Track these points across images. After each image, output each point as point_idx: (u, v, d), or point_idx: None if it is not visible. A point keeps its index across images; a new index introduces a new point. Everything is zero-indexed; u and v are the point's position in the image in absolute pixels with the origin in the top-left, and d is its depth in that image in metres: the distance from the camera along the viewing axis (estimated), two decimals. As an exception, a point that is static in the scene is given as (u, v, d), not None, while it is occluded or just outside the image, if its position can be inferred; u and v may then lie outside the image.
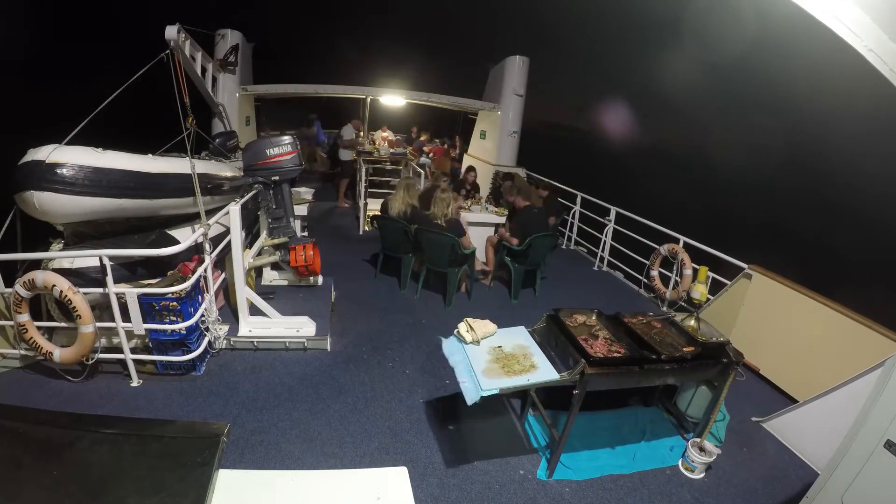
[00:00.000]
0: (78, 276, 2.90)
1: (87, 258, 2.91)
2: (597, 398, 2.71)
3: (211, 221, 3.30)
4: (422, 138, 11.73)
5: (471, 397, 2.30)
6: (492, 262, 5.45)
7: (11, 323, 2.93)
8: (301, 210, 5.51)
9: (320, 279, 4.62)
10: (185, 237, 3.19)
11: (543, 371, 2.46)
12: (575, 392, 2.44)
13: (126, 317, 2.93)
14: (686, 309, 4.85)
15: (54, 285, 2.71)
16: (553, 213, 6.10)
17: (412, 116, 11.84)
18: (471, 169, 7.82)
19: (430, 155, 10.65)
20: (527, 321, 2.96)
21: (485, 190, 8.58)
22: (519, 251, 4.97)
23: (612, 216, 6.44)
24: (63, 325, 2.98)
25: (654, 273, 5.45)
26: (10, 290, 2.82)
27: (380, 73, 9.50)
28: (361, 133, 9.24)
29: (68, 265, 2.93)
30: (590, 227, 7.08)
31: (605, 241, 6.51)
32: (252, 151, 3.66)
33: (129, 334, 3.09)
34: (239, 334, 3.61)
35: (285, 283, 4.61)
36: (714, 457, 2.73)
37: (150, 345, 3.14)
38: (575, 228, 7.43)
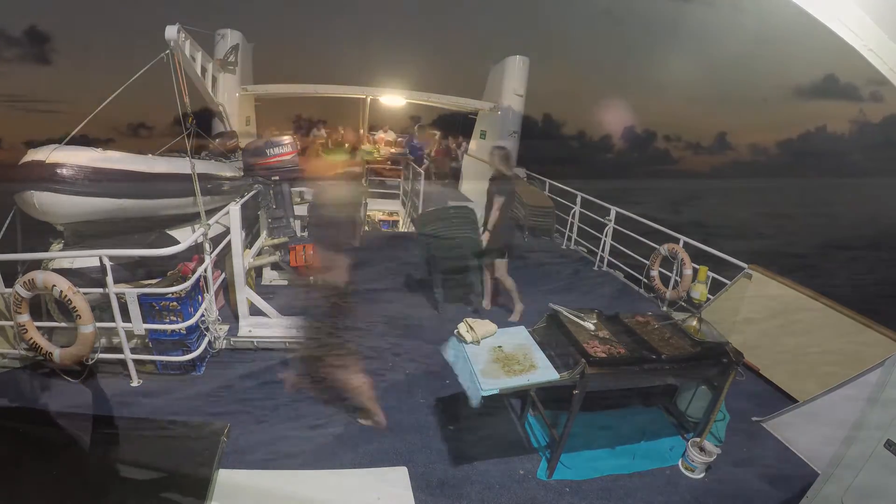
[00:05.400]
0: (78, 276, 2.90)
1: (87, 258, 2.91)
2: (597, 398, 2.71)
3: (211, 221, 3.30)
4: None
5: (472, 398, 2.30)
6: None
7: (11, 323, 2.93)
8: (301, 210, 5.51)
9: (320, 279, 4.62)
10: (185, 237, 3.19)
11: (543, 371, 2.46)
12: (575, 392, 2.44)
13: (126, 317, 2.93)
14: (686, 309, 4.85)
15: (54, 285, 2.71)
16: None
17: (411, 116, 11.84)
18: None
19: (430, 154, 10.64)
20: (527, 321, 2.96)
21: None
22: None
23: (612, 216, 6.44)
24: (63, 325, 2.98)
25: (654, 273, 5.44)
26: (10, 290, 2.82)
27: (380, 73, 9.52)
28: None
29: (68, 265, 2.94)
30: (590, 227, 7.08)
31: (605, 241, 6.50)
32: (252, 151, 3.67)
33: (129, 334, 3.08)
34: (239, 334, 3.61)
35: (285, 283, 4.61)
36: (714, 457, 2.73)
37: (150, 345, 3.14)
38: (575, 228, 7.43)
